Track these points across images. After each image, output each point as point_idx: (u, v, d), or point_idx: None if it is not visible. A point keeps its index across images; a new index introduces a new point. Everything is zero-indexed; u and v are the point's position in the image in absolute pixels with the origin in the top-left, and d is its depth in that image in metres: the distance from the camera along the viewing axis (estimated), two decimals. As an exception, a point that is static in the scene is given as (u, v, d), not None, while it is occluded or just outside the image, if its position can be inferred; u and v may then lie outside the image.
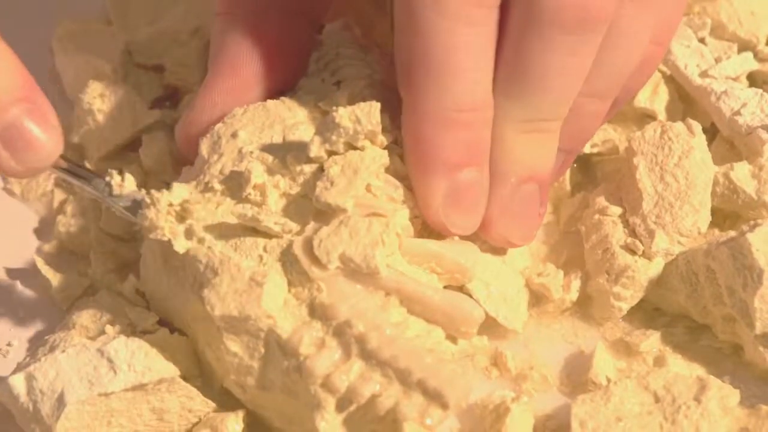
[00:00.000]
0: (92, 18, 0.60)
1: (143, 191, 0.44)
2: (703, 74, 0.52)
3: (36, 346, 0.45)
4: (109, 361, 0.42)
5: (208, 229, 0.43)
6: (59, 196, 0.52)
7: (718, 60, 0.53)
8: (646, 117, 0.53)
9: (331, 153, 0.43)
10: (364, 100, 0.43)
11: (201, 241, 0.43)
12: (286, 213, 0.43)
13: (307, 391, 0.40)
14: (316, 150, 0.43)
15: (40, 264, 0.49)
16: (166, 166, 0.52)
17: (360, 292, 0.41)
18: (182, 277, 0.43)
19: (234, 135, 0.45)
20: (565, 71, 0.43)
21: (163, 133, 0.53)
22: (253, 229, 0.42)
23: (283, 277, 0.42)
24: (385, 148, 0.44)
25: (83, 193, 0.43)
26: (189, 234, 0.43)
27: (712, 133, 0.51)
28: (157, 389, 0.42)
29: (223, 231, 0.43)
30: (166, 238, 0.42)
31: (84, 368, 0.42)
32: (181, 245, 0.43)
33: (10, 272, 0.50)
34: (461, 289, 0.44)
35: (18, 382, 0.42)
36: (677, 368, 0.45)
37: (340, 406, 0.40)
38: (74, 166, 0.44)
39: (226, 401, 0.44)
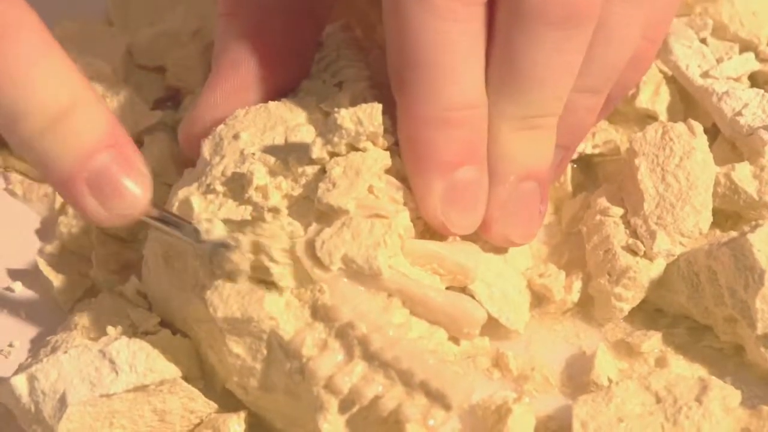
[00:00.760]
0: (93, 19, 0.60)
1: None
2: (705, 75, 0.52)
3: (38, 347, 0.45)
4: (111, 362, 0.42)
5: None
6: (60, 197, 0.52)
7: (719, 60, 0.53)
8: (647, 118, 0.53)
9: (333, 154, 0.43)
10: (365, 101, 0.43)
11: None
12: (288, 214, 0.43)
13: (310, 392, 0.40)
14: (318, 151, 0.43)
15: (42, 265, 0.49)
16: (168, 168, 0.51)
17: (362, 294, 0.41)
18: (184, 279, 0.43)
19: (236, 137, 0.45)
20: (555, 67, 0.43)
21: (165, 134, 0.53)
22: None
23: (286, 278, 0.42)
24: (386, 150, 0.44)
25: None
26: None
27: (713, 133, 0.51)
28: (159, 390, 0.42)
29: (224, 232, 0.43)
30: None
31: (86, 369, 0.42)
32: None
33: (12, 273, 0.50)
34: (463, 290, 0.44)
35: (20, 383, 0.42)
36: (679, 369, 0.45)
37: (343, 408, 0.40)
38: (164, 212, 0.42)
39: (228, 402, 0.44)
